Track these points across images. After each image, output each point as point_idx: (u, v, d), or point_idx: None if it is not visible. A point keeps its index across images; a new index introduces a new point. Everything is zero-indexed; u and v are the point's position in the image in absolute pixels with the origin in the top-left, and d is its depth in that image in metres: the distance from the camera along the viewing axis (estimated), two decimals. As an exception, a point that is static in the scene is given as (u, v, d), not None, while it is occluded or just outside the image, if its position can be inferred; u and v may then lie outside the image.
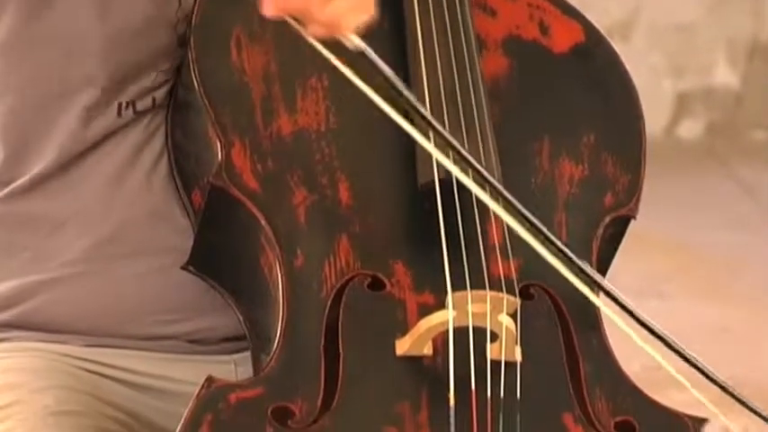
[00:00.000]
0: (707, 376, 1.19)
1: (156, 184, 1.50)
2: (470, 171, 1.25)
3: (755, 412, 1.17)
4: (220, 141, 1.35)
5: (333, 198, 1.38)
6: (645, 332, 1.21)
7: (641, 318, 1.20)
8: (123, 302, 1.50)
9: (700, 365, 1.19)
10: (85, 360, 1.49)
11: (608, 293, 1.24)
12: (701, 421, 1.34)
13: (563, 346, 1.35)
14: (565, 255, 1.22)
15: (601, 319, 1.38)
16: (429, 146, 1.26)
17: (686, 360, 1.19)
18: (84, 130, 1.46)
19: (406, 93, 1.21)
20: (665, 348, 1.22)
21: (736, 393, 1.19)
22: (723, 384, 1.19)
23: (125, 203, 1.49)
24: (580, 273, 1.23)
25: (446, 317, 1.25)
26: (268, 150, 1.38)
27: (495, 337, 1.26)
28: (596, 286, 1.25)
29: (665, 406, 1.35)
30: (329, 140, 1.40)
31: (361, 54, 1.20)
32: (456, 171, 1.25)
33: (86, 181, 1.48)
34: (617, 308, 1.22)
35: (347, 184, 1.38)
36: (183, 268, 1.45)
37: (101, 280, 1.50)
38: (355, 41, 1.20)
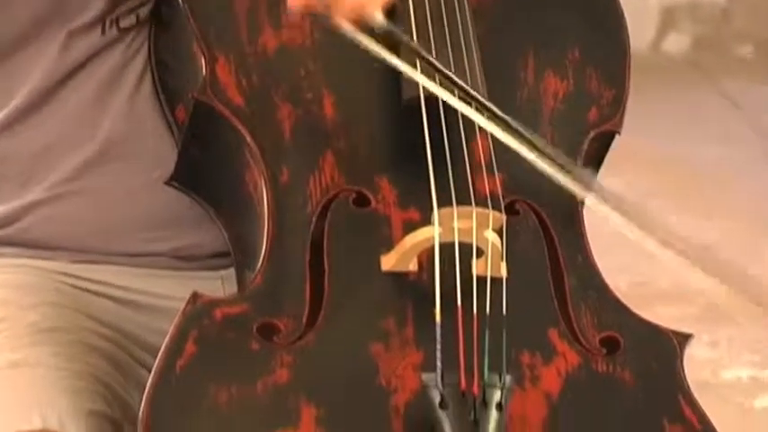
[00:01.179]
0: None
1: (140, 102, 1.48)
2: (456, 90, 1.25)
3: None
4: (204, 57, 1.33)
5: (318, 114, 1.37)
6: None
7: (633, 213, 1.19)
8: (110, 220, 1.50)
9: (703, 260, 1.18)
10: (73, 276, 1.48)
11: (599, 192, 1.23)
12: (686, 337, 1.34)
13: (548, 262, 1.35)
14: (553, 159, 1.22)
15: (586, 235, 1.38)
16: (415, 73, 1.26)
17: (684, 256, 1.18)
18: (66, 55, 1.44)
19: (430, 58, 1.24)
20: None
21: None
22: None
23: (109, 123, 1.47)
24: (571, 175, 1.22)
25: (432, 233, 1.25)
26: (253, 65, 1.36)
27: (480, 253, 1.26)
28: (588, 186, 1.24)
29: (651, 322, 1.35)
30: (314, 56, 1.38)
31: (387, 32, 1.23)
32: (441, 92, 1.25)
33: (69, 104, 1.47)
34: (609, 210, 1.21)
35: (332, 99, 1.37)
36: (168, 184, 1.44)
37: (87, 198, 1.49)
38: (380, 21, 1.22)
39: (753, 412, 3.34)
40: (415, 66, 1.26)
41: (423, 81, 1.26)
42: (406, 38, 1.27)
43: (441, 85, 1.25)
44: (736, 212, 4.94)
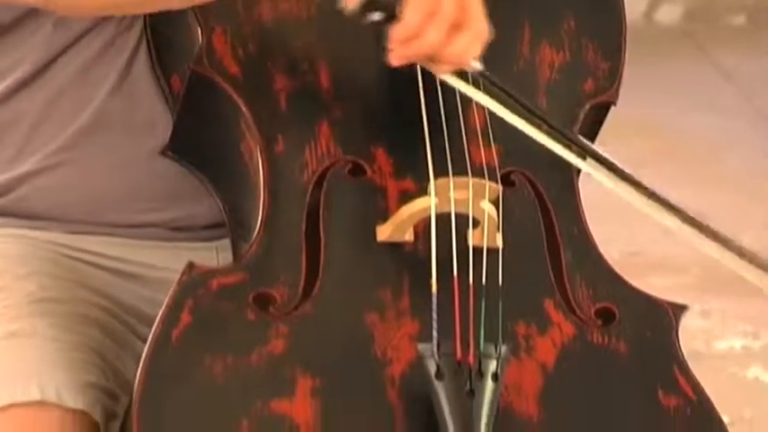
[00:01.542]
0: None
1: (135, 72, 1.46)
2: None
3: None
4: (201, 27, 1.32)
5: (314, 84, 1.36)
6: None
7: (632, 179, 1.19)
8: (104, 190, 1.48)
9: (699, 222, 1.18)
10: (68, 247, 1.48)
11: (598, 159, 1.23)
12: (682, 308, 1.34)
13: (544, 232, 1.35)
14: (551, 126, 1.22)
15: (582, 206, 1.38)
16: None
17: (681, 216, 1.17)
18: (61, 29, 1.42)
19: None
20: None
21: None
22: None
23: (104, 93, 1.45)
24: (569, 143, 1.22)
25: (428, 203, 1.24)
26: (249, 36, 1.35)
27: (476, 223, 1.25)
28: (586, 153, 1.24)
29: (646, 293, 1.35)
30: (310, 27, 1.37)
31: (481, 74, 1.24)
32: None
33: (65, 76, 1.45)
34: (606, 175, 1.21)
35: (328, 70, 1.36)
36: (163, 154, 1.43)
37: (82, 169, 1.48)
38: (476, 66, 1.23)
39: (745, 382, 3.35)
40: None
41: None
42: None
43: None
44: (726, 182, 4.95)
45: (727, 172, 5.04)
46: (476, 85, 1.24)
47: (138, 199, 1.49)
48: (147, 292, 1.46)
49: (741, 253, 1.14)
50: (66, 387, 1.26)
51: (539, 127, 1.23)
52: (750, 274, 1.14)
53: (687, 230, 1.17)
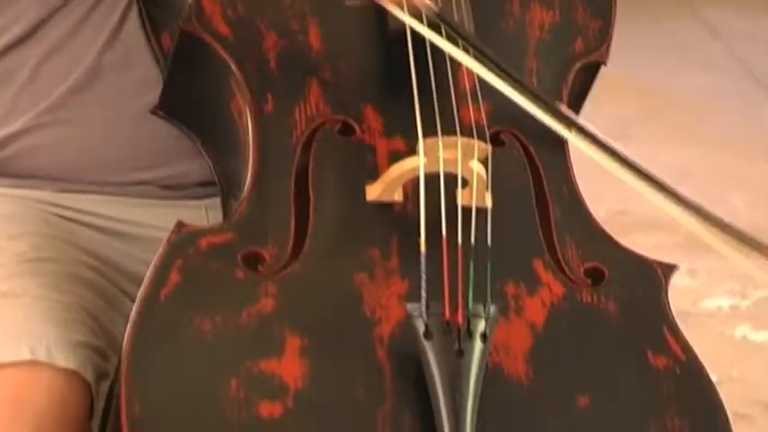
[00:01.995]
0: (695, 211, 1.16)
1: (126, 31, 1.46)
2: (443, 27, 1.24)
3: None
4: None
5: (303, 43, 1.35)
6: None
7: (616, 151, 1.19)
8: (95, 149, 1.48)
9: (680, 195, 1.17)
10: (59, 206, 1.47)
11: (582, 130, 1.22)
12: (671, 268, 1.34)
13: (533, 192, 1.34)
14: (537, 97, 1.21)
15: (571, 166, 1.37)
16: (402, 13, 1.26)
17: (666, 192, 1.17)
18: None
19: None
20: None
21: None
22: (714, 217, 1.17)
23: (95, 52, 1.45)
24: (554, 113, 1.22)
25: (417, 163, 1.23)
26: None
27: (465, 183, 1.25)
28: (570, 125, 1.23)
29: (636, 253, 1.34)
30: None
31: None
32: (428, 33, 1.24)
33: (56, 35, 1.44)
34: (591, 146, 1.21)
35: (318, 29, 1.35)
36: (153, 112, 1.42)
37: (72, 127, 1.48)
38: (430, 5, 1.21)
39: (733, 341, 3.36)
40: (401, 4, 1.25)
41: (409, 21, 1.25)
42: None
43: (428, 25, 1.24)
44: (713, 141, 4.95)
45: (714, 131, 5.04)
46: (449, 38, 1.23)
47: (129, 158, 1.49)
48: (138, 251, 1.45)
49: (724, 228, 1.14)
50: (57, 347, 1.25)
51: (507, 78, 1.22)
52: (732, 250, 1.14)
53: (669, 204, 1.16)
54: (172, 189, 1.49)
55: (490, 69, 1.20)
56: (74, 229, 1.45)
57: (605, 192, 1.31)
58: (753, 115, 5.14)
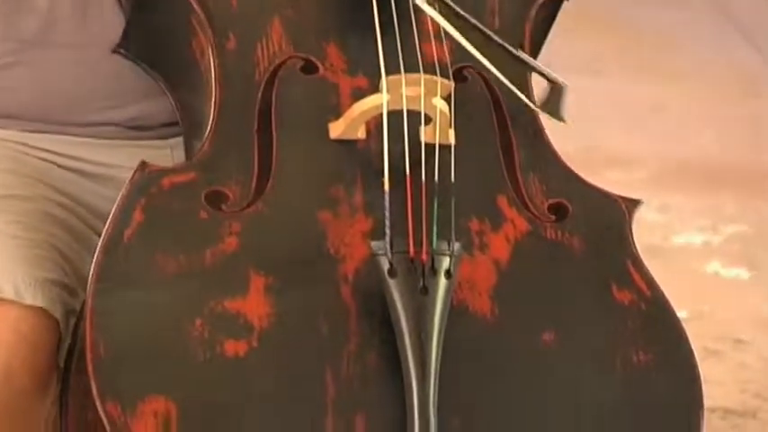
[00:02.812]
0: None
1: None
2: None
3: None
4: None
5: None
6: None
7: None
8: (60, 90, 1.47)
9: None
10: (27, 146, 1.46)
11: (542, 74, 1.22)
12: (635, 203, 1.34)
13: (497, 128, 1.34)
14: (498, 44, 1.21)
15: (535, 102, 1.37)
16: None
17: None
18: None
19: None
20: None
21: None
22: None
23: None
24: (515, 60, 1.22)
25: (380, 100, 1.23)
26: None
27: (428, 120, 1.25)
28: (531, 70, 1.23)
29: (600, 188, 1.34)
30: None
31: None
32: None
33: None
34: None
35: None
36: (115, 51, 1.41)
37: (36, 68, 1.48)
38: None
39: (704, 277, 3.37)
40: None
41: None
42: None
43: None
44: (686, 76, 4.94)
45: (686, 67, 5.03)
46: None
47: (94, 98, 1.48)
48: (106, 190, 1.45)
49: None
50: (25, 284, 1.25)
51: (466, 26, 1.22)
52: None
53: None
54: (138, 129, 1.49)
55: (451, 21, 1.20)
56: (43, 167, 1.45)
57: (574, 128, 1.30)
58: (725, 52, 5.13)
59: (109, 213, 1.24)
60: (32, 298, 1.24)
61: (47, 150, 1.47)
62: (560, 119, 1.30)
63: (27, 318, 1.25)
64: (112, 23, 1.43)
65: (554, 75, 1.23)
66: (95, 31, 1.45)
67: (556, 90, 1.30)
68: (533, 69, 1.25)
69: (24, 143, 1.46)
